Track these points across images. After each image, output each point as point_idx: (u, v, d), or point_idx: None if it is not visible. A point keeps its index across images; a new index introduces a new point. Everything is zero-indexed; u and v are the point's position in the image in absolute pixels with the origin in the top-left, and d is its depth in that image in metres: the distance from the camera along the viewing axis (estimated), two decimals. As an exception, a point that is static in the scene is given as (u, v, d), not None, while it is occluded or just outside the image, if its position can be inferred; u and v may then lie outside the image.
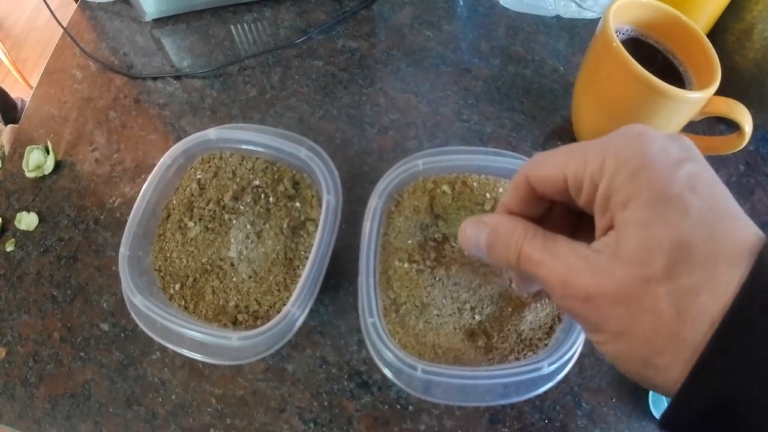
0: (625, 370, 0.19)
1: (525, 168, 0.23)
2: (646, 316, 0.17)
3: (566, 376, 0.31)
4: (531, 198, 0.23)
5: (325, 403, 0.36)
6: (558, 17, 0.54)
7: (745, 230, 0.18)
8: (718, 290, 0.17)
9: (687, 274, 0.17)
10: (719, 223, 0.17)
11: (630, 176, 0.18)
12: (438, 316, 0.32)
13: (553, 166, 0.21)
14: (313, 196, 0.37)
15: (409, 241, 0.34)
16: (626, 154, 0.19)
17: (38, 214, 0.45)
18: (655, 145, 0.19)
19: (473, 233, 0.24)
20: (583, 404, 0.36)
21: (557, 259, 0.20)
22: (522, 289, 0.28)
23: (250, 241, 0.35)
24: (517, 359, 0.32)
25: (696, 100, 0.36)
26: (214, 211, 0.36)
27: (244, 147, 0.38)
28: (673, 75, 0.40)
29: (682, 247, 0.17)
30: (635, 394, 0.36)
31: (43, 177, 0.47)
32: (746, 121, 0.36)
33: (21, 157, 0.47)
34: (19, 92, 0.94)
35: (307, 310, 0.32)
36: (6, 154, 0.49)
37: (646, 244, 0.18)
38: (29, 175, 0.47)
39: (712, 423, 0.17)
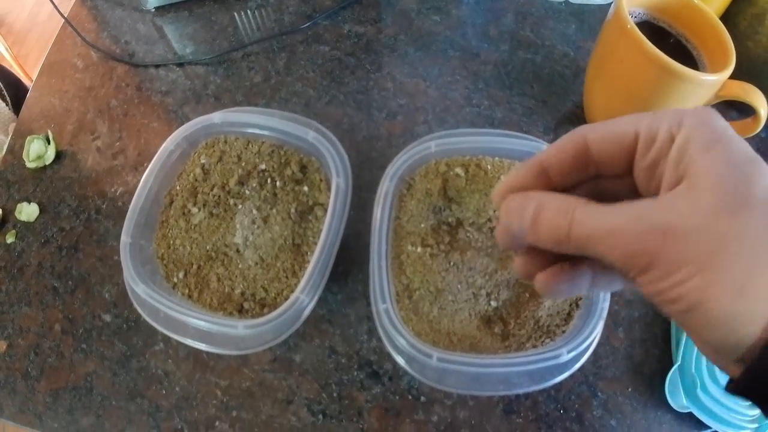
0: (710, 314, 0.16)
1: (583, 129, 0.21)
2: (742, 235, 0.16)
3: (581, 365, 0.31)
4: (576, 161, 0.21)
5: (334, 394, 0.35)
6: (566, 2, 0.53)
7: None
8: None
9: None
10: None
11: (711, 131, 0.17)
12: (453, 302, 0.31)
13: (622, 123, 0.20)
14: (321, 180, 0.36)
15: (422, 225, 0.33)
16: (704, 119, 0.18)
17: (39, 204, 0.44)
18: (727, 124, 0.18)
19: (518, 205, 0.21)
20: (599, 394, 0.35)
21: (616, 210, 0.18)
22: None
23: (256, 226, 0.34)
24: (535, 346, 0.31)
25: (712, 82, 0.36)
26: (219, 196, 0.35)
27: (249, 131, 0.37)
28: (687, 59, 0.39)
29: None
30: (651, 383, 0.36)
31: (44, 167, 0.46)
32: (762, 105, 0.36)
33: (22, 147, 0.47)
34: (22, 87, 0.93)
35: (316, 297, 0.31)
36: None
37: (737, 176, 0.16)
38: (30, 165, 0.46)
39: None
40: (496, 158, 0.35)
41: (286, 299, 0.31)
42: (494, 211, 0.33)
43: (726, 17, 0.45)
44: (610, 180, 0.21)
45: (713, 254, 0.16)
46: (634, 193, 0.21)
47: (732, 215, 0.16)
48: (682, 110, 0.19)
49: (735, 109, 0.46)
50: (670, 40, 0.41)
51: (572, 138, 0.21)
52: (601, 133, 0.20)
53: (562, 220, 0.19)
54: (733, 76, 0.36)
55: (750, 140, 0.41)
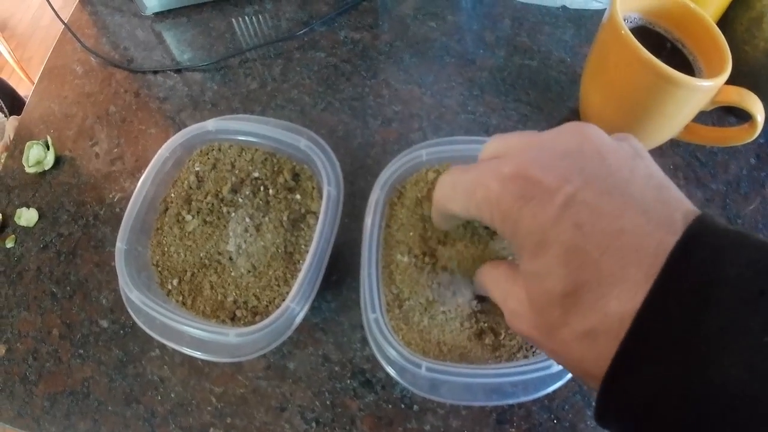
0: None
1: (443, 201, 0.24)
2: (562, 358, 0.19)
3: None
4: (456, 218, 0.27)
5: (328, 402, 0.35)
6: (564, 8, 0.53)
7: (642, 246, 0.16)
8: (611, 333, 0.16)
9: (581, 320, 0.17)
10: (606, 255, 0.17)
11: (512, 230, 0.19)
12: (443, 312, 0.31)
13: (459, 208, 0.22)
14: (313, 188, 0.36)
15: (411, 234, 0.33)
16: (506, 205, 0.19)
17: (38, 209, 0.44)
18: (529, 185, 0.18)
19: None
20: (593, 403, 0.35)
21: (505, 299, 0.23)
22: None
23: (249, 234, 0.34)
24: (526, 357, 0.31)
25: (707, 88, 0.35)
26: (213, 204, 0.36)
27: (243, 138, 0.37)
28: (683, 64, 0.39)
29: (570, 295, 0.17)
30: (647, 392, 0.35)
31: (43, 173, 0.46)
32: (758, 110, 0.35)
33: (21, 152, 0.47)
34: (25, 91, 0.94)
35: (307, 306, 0.31)
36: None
37: (541, 297, 0.19)
38: (29, 170, 0.46)
39: None
40: (489, 166, 0.34)
41: (277, 307, 0.32)
42: None
43: (723, 22, 0.44)
44: None
45: (554, 359, 0.21)
46: None
47: (550, 337, 0.19)
48: (488, 194, 0.20)
49: (733, 115, 0.46)
50: (667, 46, 0.40)
51: (440, 212, 0.26)
52: (454, 213, 0.23)
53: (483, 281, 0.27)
54: (730, 81, 0.35)
55: (748, 146, 0.41)
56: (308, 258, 0.31)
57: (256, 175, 0.36)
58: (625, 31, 0.36)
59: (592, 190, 0.18)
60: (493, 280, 0.25)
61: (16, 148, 0.48)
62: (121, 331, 0.39)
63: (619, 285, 0.16)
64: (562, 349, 0.19)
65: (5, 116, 0.77)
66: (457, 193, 0.22)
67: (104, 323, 0.39)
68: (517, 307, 0.21)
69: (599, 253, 0.17)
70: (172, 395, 0.36)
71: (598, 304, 0.17)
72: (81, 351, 0.38)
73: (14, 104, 0.80)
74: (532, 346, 0.31)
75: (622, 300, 0.16)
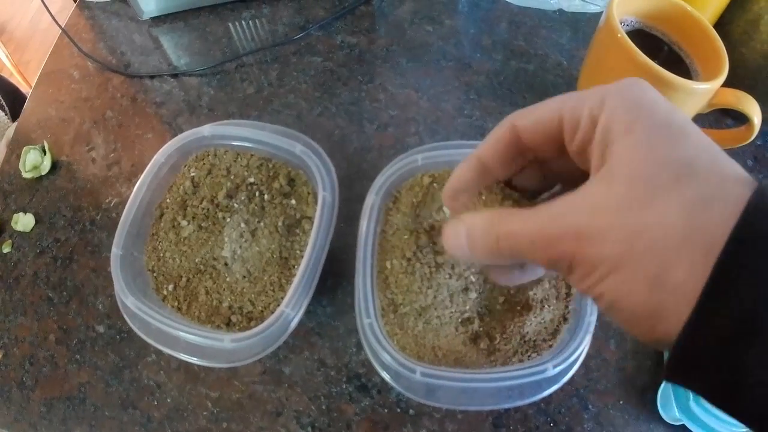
0: (627, 311, 0.16)
1: (512, 117, 0.20)
2: (653, 228, 0.15)
3: (572, 377, 0.30)
4: (511, 150, 0.21)
5: (323, 407, 0.35)
6: (561, 11, 0.53)
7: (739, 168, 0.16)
8: (730, 200, 0.15)
9: (696, 187, 0.15)
10: (720, 154, 0.16)
11: (632, 108, 0.17)
12: (438, 317, 0.31)
13: (548, 109, 0.19)
14: (309, 194, 0.36)
15: (406, 238, 0.33)
16: (627, 95, 0.18)
17: (35, 215, 0.44)
18: (653, 92, 0.18)
19: (451, 232, 0.21)
20: (590, 407, 0.35)
21: (535, 216, 0.18)
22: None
23: (244, 240, 0.34)
24: (521, 361, 0.31)
25: (704, 91, 0.35)
26: (208, 209, 0.36)
27: (238, 144, 0.37)
28: (679, 67, 0.39)
29: (688, 164, 0.16)
30: (643, 395, 0.35)
31: (40, 177, 0.46)
32: (755, 112, 0.35)
33: (18, 157, 0.47)
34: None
35: (301, 311, 0.31)
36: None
37: (652, 161, 0.16)
38: (26, 175, 0.46)
39: (732, 346, 0.14)
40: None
41: (273, 313, 0.32)
42: None
43: (720, 24, 0.44)
44: (554, 160, 0.21)
45: (624, 253, 0.15)
46: (578, 171, 0.20)
47: (643, 207, 0.15)
48: (605, 88, 0.18)
49: (730, 117, 0.46)
50: (663, 49, 0.40)
51: (501, 129, 0.21)
52: (528, 121, 0.20)
53: (491, 237, 0.19)
54: (727, 84, 0.35)
55: (745, 148, 0.41)
56: (303, 263, 0.31)
57: (251, 180, 0.36)
58: (622, 34, 0.36)
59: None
60: (512, 216, 0.19)
61: (13, 153, 0.48)
62: (117, 337, 0.39)
63: (732, 174, 0.16)
64: (657, 222, 0.15)
65: (5, 114, 0.77)
66: (549, 102, 0.20)
67: (100, 328, 0.39)
68: (563, 206, 0.17)
69: (714, 151, 0.16)
70: (168, 400, 0.36)
71: (717, 168, 0.16)
72: (77, 356, 0.38)
73: (16, 103, 0.80)
74: (527, 351, 0.31)
75: (738, 183, 0.15)
